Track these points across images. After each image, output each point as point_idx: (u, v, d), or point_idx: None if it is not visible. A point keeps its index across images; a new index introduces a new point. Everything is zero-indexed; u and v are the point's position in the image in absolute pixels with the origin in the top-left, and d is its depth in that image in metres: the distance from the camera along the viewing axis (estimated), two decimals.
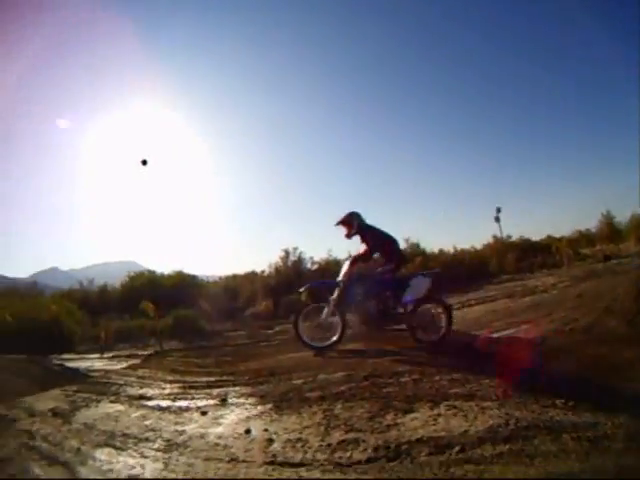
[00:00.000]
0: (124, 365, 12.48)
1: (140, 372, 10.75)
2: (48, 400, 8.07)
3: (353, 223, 8.64)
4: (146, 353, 17.87)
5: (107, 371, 11.46)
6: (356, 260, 8.60)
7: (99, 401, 7.82)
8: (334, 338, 8.45)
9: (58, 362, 13.48)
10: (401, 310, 8.20)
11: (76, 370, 12.18)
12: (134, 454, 5.14)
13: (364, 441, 4.23)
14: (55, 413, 7.05)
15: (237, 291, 31.90)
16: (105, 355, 18.46)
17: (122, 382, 9.45)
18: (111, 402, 7.74)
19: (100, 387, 9.09)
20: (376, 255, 8.79)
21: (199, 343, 18.35)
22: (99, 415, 6.90)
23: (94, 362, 14.86)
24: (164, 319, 27.56)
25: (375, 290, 8.24)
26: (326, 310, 8.47)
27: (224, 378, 8.78)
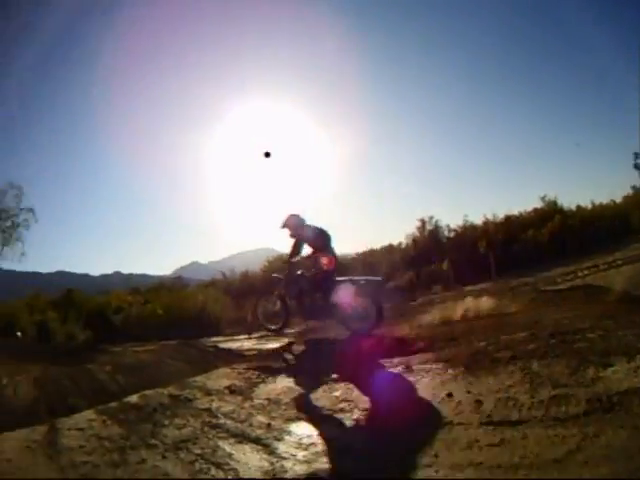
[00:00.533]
0: (276, 345, 12.96)
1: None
2: (220, 379, 8.17)
3: (291, 226, 9.90)
4: (293, 331, 18.72)
5: (260, 350, 11.92)
6: (292, 261, 10.06)
7: (274, 377, 7.86)
8: (279, 324, 10.64)
9: (211, 344, 14.37)
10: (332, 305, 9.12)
11: (229, 350, 12.82)
12: (333, 426, 5.11)
13: (574, 395, 4.30)
14: (232, 390, 7.11)
15: (376, 266, 32.22)
16: (253, 336, 19.48)
17: (290, 357, 9.69)
18: (286, 377, 7.79)
19: (269, 363, 9.18)
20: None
21: None
22: (279, 390, 6.89)
23: (243, 343, 15.66)
24: None
25: (307, 289, 9.53)
26: (273, 300, 10.42)
27: None
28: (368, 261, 33.74)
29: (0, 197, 12.87)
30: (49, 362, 18.20)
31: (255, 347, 14.02)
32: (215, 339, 17.98)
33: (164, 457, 4.63)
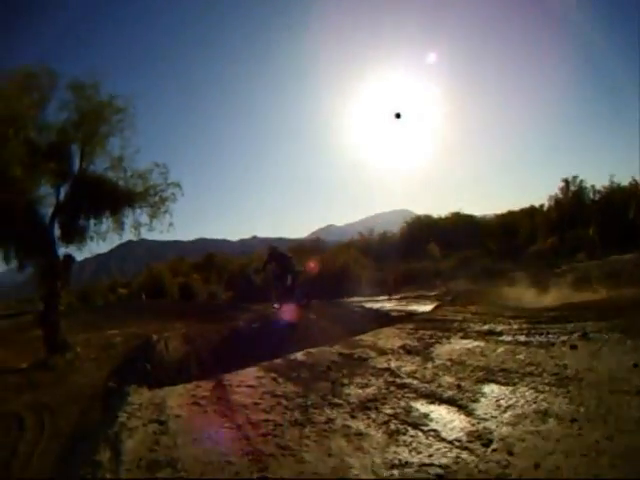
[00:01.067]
0: (427, 307, 12.87)
1: (461, 310, 11.14)
2: (390, 338, 8.49)
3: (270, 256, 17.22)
4: (433, 294, 18.45)
5: (406, 312, 11.94)
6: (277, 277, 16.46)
7: (448, 337, 8.00)
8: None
9: (357, 304, 14.67)
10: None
11: (376, 311, 12.89)
12: (526, 389, 4.93)
13: None
14: (408, 350, 7.30)
15: (515, 228, 30.79)
16: (393, 297, 19.52)
17: (460, 319, 9.71)
18: (462, 338, 7.89)
19: (438, 324, 9.36)
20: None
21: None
22: (459, 351, 6.94)
23: (384, 304, 15.78)
24: (446, 260, 28.39)
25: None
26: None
27: (565, 313, 8.47)
28: (508, 223, 32.44)
29: (147, 175, 14.22)
30: (195, 319, 19.78)
31: (398, 308, 14.15)
32: (357, 299, 18.36)
33: (353, 416, 4.69)
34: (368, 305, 14.44)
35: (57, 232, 14.10)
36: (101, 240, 14.65)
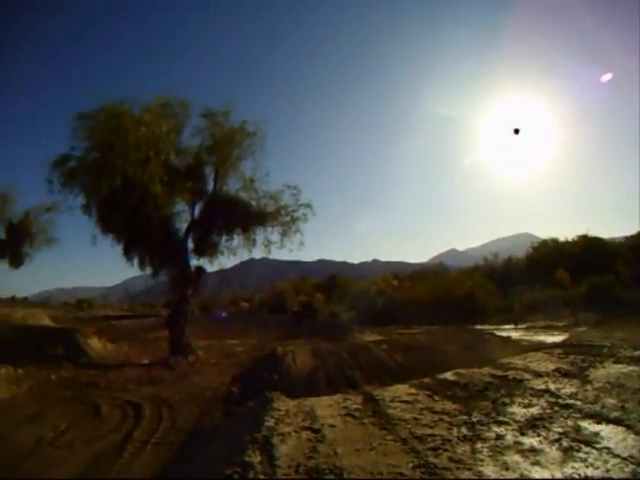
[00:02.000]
0: (556, 337, 12.32)
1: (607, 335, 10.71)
2: (542, 362, 8.03)
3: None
4: (561, 324, 17.33)
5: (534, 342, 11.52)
6: None
7: (600, 362, 7.59)
8: None
9: (487, 331, 13.92)
10: None
11: (506, 338, 12.25)
12: None
13: None
14: (563, 373, 6.86)
15: None
16: (519, 326, 18.43)
17: (608, 344, 9.22)
18: (615, 363, 7.53)
19: (586, 349, 8.90)
20: None
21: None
22: (615, 374, 6.58)
23: (510, 332, 14.94)
24: (577, 288, 26.30)
25: None
26: None
27: None
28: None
29: (279, 196, 14.86)
30: (317, 336, 19.81)
31: (526, 338, 13.46)
32: (483, 327, 17.44)
33: (522, 433, 4.40)
34: (499, 333, 13.69)
35: (191, 245, 15.35)
36: (231, 255, 15.76)
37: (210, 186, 15.32)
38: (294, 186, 14.95)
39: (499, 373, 7.06)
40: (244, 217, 14.95)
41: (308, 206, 14.95)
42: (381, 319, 26.97)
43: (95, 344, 15.48)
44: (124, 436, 7.39)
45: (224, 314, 37.95)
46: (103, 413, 8.55)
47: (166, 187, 13.34)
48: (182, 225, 15.49)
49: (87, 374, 11.88)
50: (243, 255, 15.85)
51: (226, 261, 16.12)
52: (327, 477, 3.40)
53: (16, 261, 23.18)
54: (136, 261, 15.18)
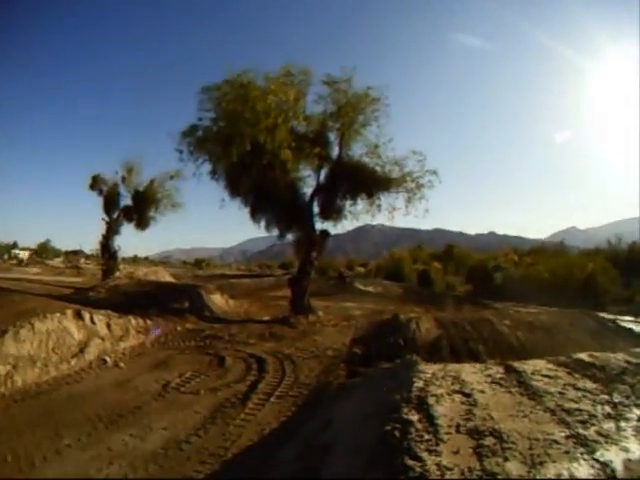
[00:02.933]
0: None
1: None
2: None
3: None
4: None
5: None
6: None
7: None
8: None
9: (610, 319, 13.11)
10: None
11: (630, 330, 11.55)
12: None
13: None
14: None
15: None
16: None
17: None
18: None
19: None
20: None
21: None
22: None
23: (629, 325, 14.01)
24: None
25: None
26: None
27: None
28: None
29: (404, 162, 14.63)
30: (433, 306, 19.66)
31: None
32: (605, 315, 16.36)
33: None
34: (623, 324, 12.80)
35: (316, 209, 15.68)
36: (355, 220, 15.93)
37: (335, 152, 15.45)
38: (419, 152, 14.67)
39: (634, 360, 6.62)
40: (369, 182, 14.93)
41: (434, 173, 14.64)
42: (497, 295, 26.15)
43: (218, 300, 16.45)
44: (248, 387, 7.86)
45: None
46: (227, 364, 9.12)
47: (293, 152, 13.69)
48: (308, 189, 15.92)
49: (210, 327, 12.75)
50: (366, 220, 16.03)
51: (344, 226, 16.17)
52: (487, 438, 3.44)
53: (142, 224, 25.11)
54: (263, 223, 15.86)
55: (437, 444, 3.40)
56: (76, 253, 76.63)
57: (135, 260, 64.28)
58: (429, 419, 3.87)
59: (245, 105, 13.12)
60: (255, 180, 14.16)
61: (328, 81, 14.66)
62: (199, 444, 5.74)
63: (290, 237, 16.13)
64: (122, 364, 9.20)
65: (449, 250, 43.04)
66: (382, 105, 14.72)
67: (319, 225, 15.74)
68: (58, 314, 9.94)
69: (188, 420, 6.47)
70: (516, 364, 5.83)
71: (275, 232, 15.94)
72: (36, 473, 5.13)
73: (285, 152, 13.42)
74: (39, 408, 6.98)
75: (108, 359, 9.33)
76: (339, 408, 5.83)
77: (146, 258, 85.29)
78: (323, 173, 15.56)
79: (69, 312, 10.26)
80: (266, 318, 14.73)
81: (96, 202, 25.64)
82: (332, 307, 17.20)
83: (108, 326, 10.75)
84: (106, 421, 6.40)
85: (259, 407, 6.93)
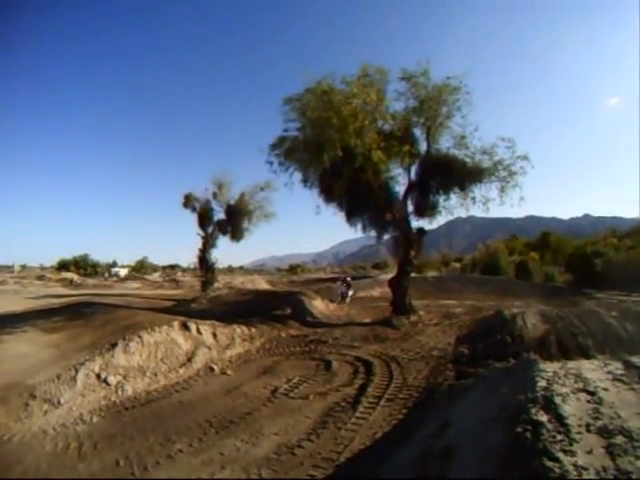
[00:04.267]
0: None
1: None
2: None
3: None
4: None
5: None
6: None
7: None
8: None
9: None
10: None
11: None
12: None
13: None
14: None
15: None
16: None
17: None
18: None
19: None
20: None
21: None
22: None
23: None
24: None
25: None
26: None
27: None
28: None
29: (493, 150, 13.95)
30: (533, 298, 18.73)
31: None
32: None
33: None
34: None
35: (410, 207, 15.31)
36: (449, 214, 15.33)
37: (423, 147, 15.08)
38: (508, 138, 13.92)
39: None
40: (460, 175, 14.42)
41: (525, 158, 13.78)
42: (599, 283, 24.55)
43: (318, 304, 16.58)
44: (357, 390, 7.77)
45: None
46: (334, 368, 9.08)
47: (383, 152, 13.47)
48: (400, 188, 15.60)
49: (314, 332, 12.76)
50: (457, 213, 15.35)
51: (438, 221, 15.71)
52: (617, 437, 3.31)
53: (237, 236, 25.96)
54: (359, 226, 15.70)
55: (570, 444, 3.27)
56: (173, 267, 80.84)
57: (230, 270, 66.33)
58: (559, 419, 3.71)
59: (330, 111, 13.07)
60: (348, 184, 14.03)
61: (405, 76, 14.35)
62: (312, 448, 5.73)
63: (386, 238, 15.90)
64: (229, 371, 9.43)
65: (545, 238, 40.69)
66: (463, 94, 14.20)
67: (414, 223, 15.39)
68: (166, 326, 10.43)
69: (299, 425, 6.50)
70: (634, 359, 5.35)
71: (371, 234, 15.74)
72: (149, 477, 5.34)
73: (376, 153, 13.23)
74: (150, 415, 7.33)
75: (215, 367, 9.59)
76: (454, 410, 5.56)
77: (241, 267, 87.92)
78: (414, 170, 15.21)
79: (176, 324, 10.71)
80: (367, 320, 14.59)
81: (190, 219, 26.85)
82: (431, 305, 16.75)
83: (214, 335, 11.17)
84: (217, 427, 6.58)
85: (369, 410, 6.81)
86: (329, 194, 14.98)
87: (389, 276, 19.20)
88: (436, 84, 14.18)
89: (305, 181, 15.14)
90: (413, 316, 13.98)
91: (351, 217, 15.55)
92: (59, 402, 7.60)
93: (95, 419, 7.20)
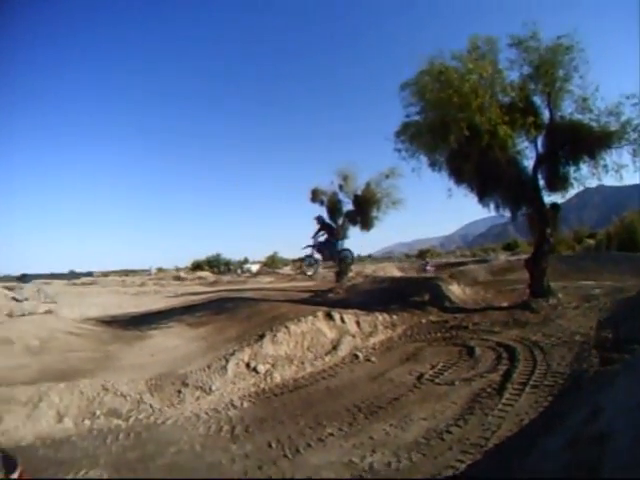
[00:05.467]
0: None
1: None
2: None
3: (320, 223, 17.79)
4: None
5: None
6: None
7: None
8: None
9: None
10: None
11: None
12: None
13: None
14: None
15: None
16: None
17: None
18: None
19: None
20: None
21: None
22: None
23: None
24: None
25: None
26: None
27: None
28: None
29: (619, 110, 12.56)
30: None
31: None
32: None
33: None
34: None
35: (541, 182, 14.41)
36: (581, 186, 14.17)
37: (545, 115, 14.08)
38: (632, 95, 12.52)
39: None
40: (588, 141, 13.25)
41: None
42: None
43: (455, 289, 16.32)
44: (501, 377, 7.63)
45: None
46: (476, 354, 8.98)
47: (508, 127, 12.84)
48: (528, 163, 14.72)
49: (453, 317, 12.56)
50: (591, 184, 14.16)
51: (557, 196, 14.63)
52: None
53: (366, 226, 25.99)
54: (492, 205, 15.04)
55: None
56: (302, 260, 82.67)
57: (360, 259, 67.19)
58: None
59: (449, 90, 12.59)
60: (477, 164, 13.54)
61: (515, 42, 13.42)
62: (459, 434, 5.77)
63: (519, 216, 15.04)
64: (373, 358, 9.64)
65: None
66: (577, 52, 13.01)
67: (546, 199, 14.47)
68: (311, 317, 10.92)
69: (446, 410, 6.55)
70: None
71: (505, 213, 15.03)
72: (300, 458, 5.64)
73: (502, 128, 12.62)
74: (298, 400, 7.72)
75: (359, 354, 9.87)
76: (603, 397, 5.35)
77: (369, 256, 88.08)
78: (540, 142, 14.31)
79: (320, 314, 11.19)
80: (505, 304, 14.08)
81: (318, 212, 27.48)
82: (569, 287, 15.80)
83: (357, 324, 11.50)
84: (365, 412, 6.79)
85: (515, 397, 6.70)
86: (459, 176, 14.54)
87: (503, 259, 18.44)
88: (548, 46, 13.18)
89: (433, 165, 14.76)
90: (552, 299, 13.21)
91: (483, 197, 14.92)
92: (210, 389, 8.28)
93: (246, 404, 7.74)
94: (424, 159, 14.60)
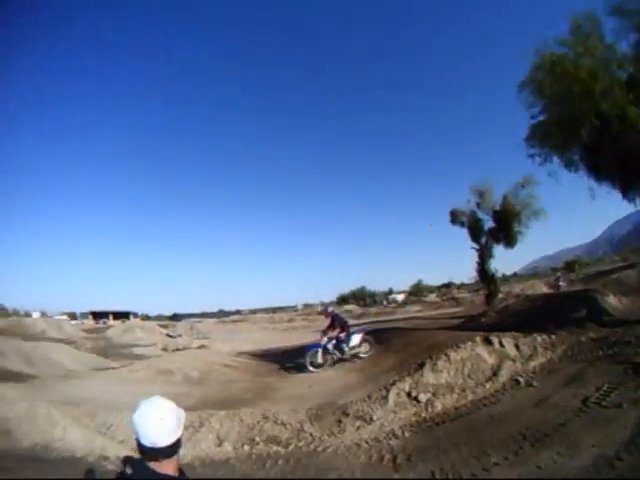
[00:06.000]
0: None
1: None
2: None
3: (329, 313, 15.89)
4: None
5: None
6: (325, 332, 14.99)
7: None
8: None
9: None
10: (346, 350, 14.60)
11: None
12: None
13: None
14: None
15: None
16: None
17: None
18: None
19: None
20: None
21: None
22: None
23: None
24: None
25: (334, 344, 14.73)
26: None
27: None
28: None
29: None
30: None
31: None
32: None
33: None
34: None
35: None
36: None
37: None
38: None
39: None
40: None
41: None
42: None
43: (611, 300, 15.39)
44: None
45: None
46: None
47: (634, 106, 11.54)
48: None
49: (613, 332, 11.48)
50: None
51: None
52: None
53: (510, 242, 25.00)
54: (638, 200, 13.49)
55: None
56: (448, 286, 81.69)
57: (505, 279, 64.70)
58: None
59: (567, 80, 11.83)
60: (614, 154, 12.21)
61: (616, 11, 11.98)
62: (630, 461, 5.33)
63: None
64: (535, 382, 9.19)
65: None
66: None
67: None
68: (470, 343, 10.83)
69: (615, 435, 6.02)
70: None
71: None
72: None
73: (631, 109, 11.38)
74: (461, 429, 7.58)
75: (520, 379, 9.50)
76: None
77: (514, 274, 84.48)
78: None
79: (479, 339, 11.06)
80: None
81: (458, 234, 26.86)
82: None
83: (516, 347, 11.08)
84: (531, 439, 6.48)
85: None
86: (597, 172, 13.29)
87: None
88: None
89: (569, 165, 13.67)
90: None
91: (627, 191, 13.34)
92: (371, 419, 8.49)
93: (407, 434, 7.79)
94: (557, 161, 13.78)
